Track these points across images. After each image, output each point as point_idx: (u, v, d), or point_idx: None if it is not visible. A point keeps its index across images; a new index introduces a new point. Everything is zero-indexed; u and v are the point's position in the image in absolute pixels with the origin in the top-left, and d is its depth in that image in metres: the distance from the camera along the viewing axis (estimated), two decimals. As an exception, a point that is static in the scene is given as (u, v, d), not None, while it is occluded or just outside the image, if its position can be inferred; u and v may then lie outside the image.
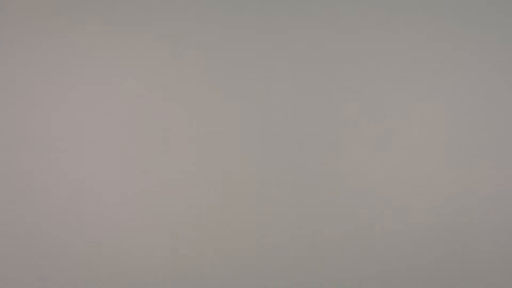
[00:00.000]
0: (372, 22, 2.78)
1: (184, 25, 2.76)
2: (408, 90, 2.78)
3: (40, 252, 2.70)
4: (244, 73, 2.77)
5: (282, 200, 2.76)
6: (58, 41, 2.73)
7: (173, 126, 2.74)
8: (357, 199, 2.76)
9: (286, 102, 2.77)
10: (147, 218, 2.73)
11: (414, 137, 2.77)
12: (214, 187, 2.75)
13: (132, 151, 2.73)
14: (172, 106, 2.75)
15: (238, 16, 2.77)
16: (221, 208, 2.75)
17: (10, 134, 2.70)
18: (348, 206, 2.76)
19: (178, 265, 2.73)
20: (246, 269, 2.75)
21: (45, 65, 2.72)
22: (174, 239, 2.73)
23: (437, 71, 2.78)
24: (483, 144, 2.77)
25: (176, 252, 2.73)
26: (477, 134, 2.78)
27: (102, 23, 2.74)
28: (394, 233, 2.76)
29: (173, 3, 2.76)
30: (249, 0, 2.77)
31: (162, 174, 2.73)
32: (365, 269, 2.76)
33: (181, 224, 2.74)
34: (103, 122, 2.73)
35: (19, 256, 2.69)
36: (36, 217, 2.69)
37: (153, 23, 2.75)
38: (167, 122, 2.74)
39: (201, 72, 2.76)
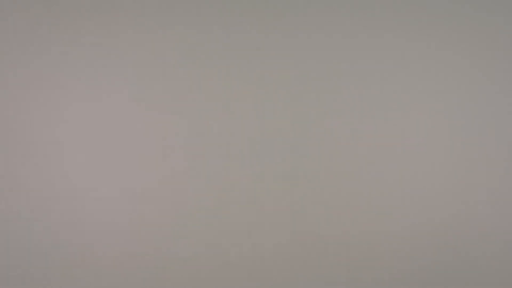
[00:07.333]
0: (370, 26, 2.79)
1: (181, 31, 2.77)
2: (407, 93, 2.79)
3: (39, 251, 2.70)
4: (242, 76, 2.77)
5: (280, 202, 2.77)
6: (59, 43, 2.74)
7: (171, 128, 2.75)
8: (354, 202, 2.77)
9: (284, 104, 2.77)
10: (145, 218, 2.73)
11: (412, 140, 2.78)
12: (213, 188, 2.75)
13: (131, 152, 2.74)
14: (170, 107, 2.75)
15: (235, 21, 2.78)
16: (219, 208, 2.76)
17: (10, 134, 2.71)
18: (345, 208, 2.77)
19: (176, 265, 2.74)
20: (243, 270, 2.75)
21: (45, 67, 2.73)
22: (172, 239, 2.74)
23: (436, 75, 2.79)
24: (482, 147, 2.78)
25: (174, 252, 2.74)
26: (475, 137, 2.78)
27: (103, 28, 2.75)
28: (391, 236, 2.77)
29: (173, 10, 2.77)
30: (247, 5, 2.78)
31: (160, 175, 2.74)
32: (361, 272, 2.77)
33: (180, 224, 2.74)
34: (102, 123, 2.74)
35: (19, 255, 2.70)
36: (35, 216, 2.70)
37: (153, 27, 2.76)
38: (165, 123, 2.75)
39: (200, 74, 2.77)
